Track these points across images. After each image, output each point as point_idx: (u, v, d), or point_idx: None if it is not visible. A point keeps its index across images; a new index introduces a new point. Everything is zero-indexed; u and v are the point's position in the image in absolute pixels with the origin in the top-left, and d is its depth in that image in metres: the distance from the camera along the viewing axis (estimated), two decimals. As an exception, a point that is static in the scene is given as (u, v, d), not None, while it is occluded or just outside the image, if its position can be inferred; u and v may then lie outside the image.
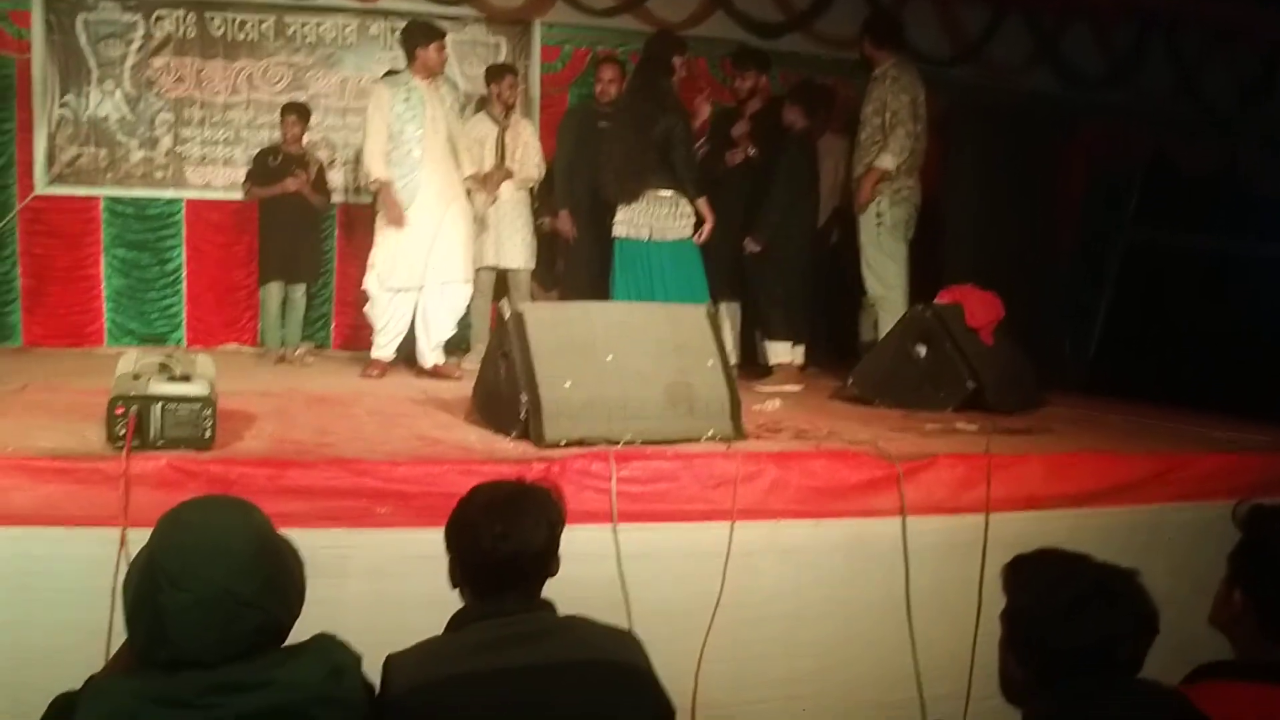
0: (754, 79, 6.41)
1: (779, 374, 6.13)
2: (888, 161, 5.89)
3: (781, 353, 6.23)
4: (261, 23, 7.18)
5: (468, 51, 7.40)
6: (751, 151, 6.21)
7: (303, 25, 7.24)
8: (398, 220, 5.69)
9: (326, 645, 2.04)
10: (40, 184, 6.95)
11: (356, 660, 2.05)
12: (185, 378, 3.40)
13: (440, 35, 5.84)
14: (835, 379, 6.00)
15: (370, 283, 5.90)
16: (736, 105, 6.50)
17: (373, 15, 7.31)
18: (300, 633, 2.00)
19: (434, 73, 5.82)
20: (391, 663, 2.16)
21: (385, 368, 5.96)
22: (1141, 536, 3.98)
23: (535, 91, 7.47)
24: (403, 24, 6.35)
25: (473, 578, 2.26)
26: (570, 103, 7.46)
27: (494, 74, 6.68)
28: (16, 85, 6.87)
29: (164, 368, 3.44)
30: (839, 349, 6.95)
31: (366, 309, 6.01)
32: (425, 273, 5.79)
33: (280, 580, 1.94)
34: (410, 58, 5.79)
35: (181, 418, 3.31)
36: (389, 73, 6.44)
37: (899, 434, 4.38)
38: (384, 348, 5.97)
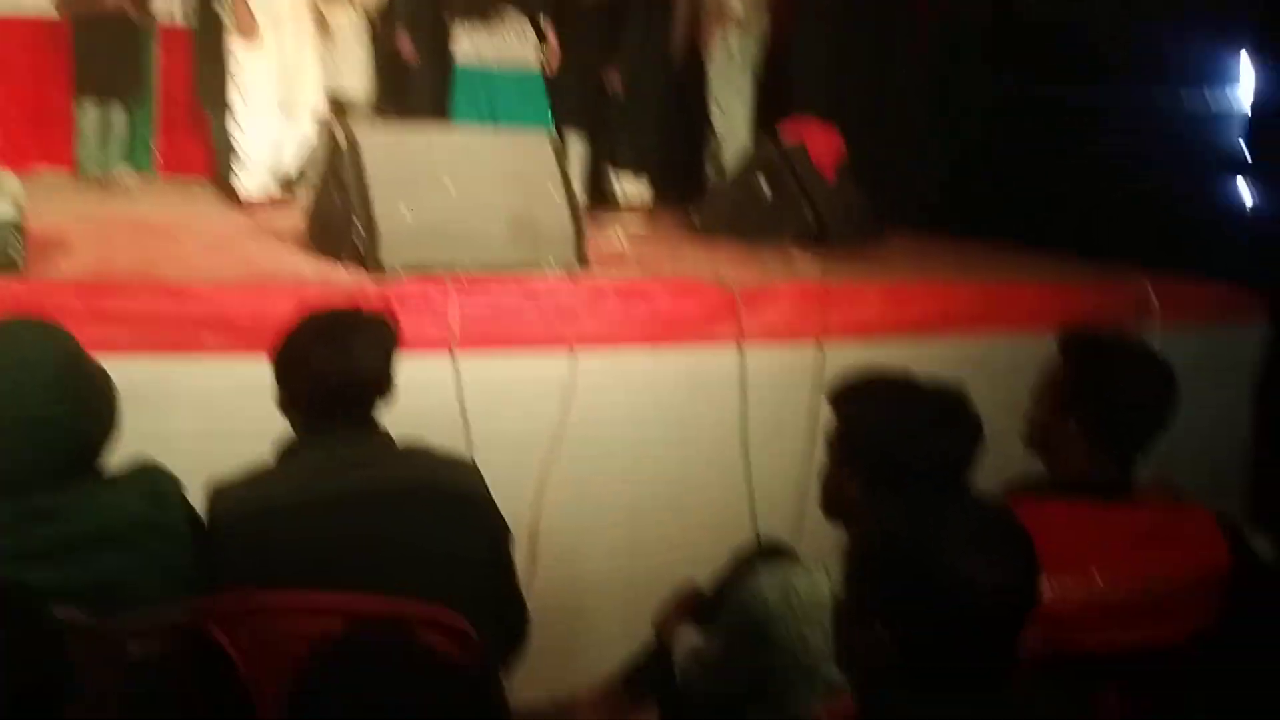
0: None
1: (627, 209, 6.09)
2: None
3: (629, 184, 6.17)
4: None
5: None
6: None
7: None
8: (249, 30, 5.34)
9: (148, 472, 1.98)
10: None
11: (179, 486, 1.99)
12: (-13, 197, 3.16)
13: None
14: (684, 215, 5.99)
15: (230, 95, 5.55)
16: None
17: None
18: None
19: None
20: (217, 491, 2.10)
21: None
22: (970, 368, 4.12)
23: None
24: None
25: (303, 405, 2.20)
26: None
27: None
28: None
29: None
30: (690, 185, 6.92)
31: (229, 128, 5.65)
32: (278, 94, 5.49)
33: (90, 401, 1.86)
34: None
35: (-15, 240, 3.09)
36: None
37: (739, 266, 4.41)
38: (254, 179, 5.63)
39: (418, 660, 1.29)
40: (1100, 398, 2.19)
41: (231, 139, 5.67)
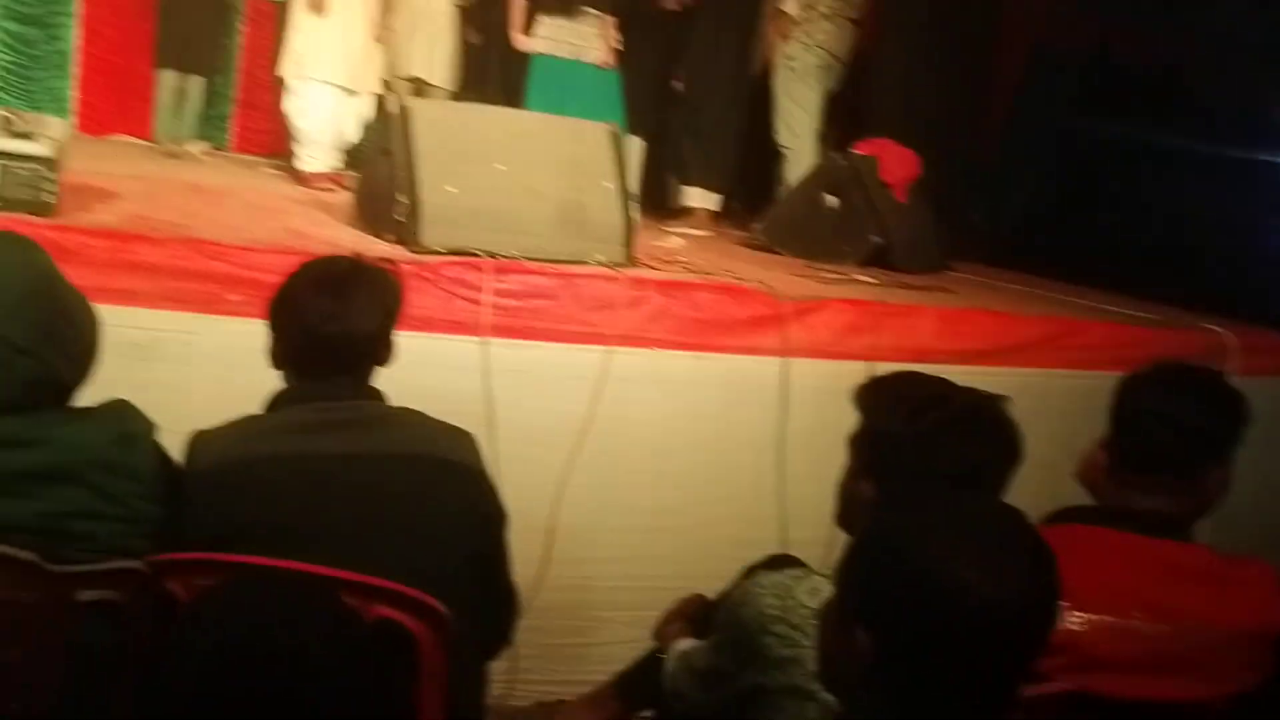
0: None
1: (689, 218, 5.96)
2: (789, 5, 5.66)
3: (695, 197, 6.05)
4: None
5: None
6: None
7: None
8: (319, 4, 5.32)
9: (120, 411, 1.87)
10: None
11: (151, 429, 1.88)
12: (27, 135, 3.12)
13: None
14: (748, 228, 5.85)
15: (287, 70, 5.52)
16: None
17: None
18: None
19: None
20: (198, 438, 2.00)
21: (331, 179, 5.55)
22: (1027, 400, 3.91)
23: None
24: None
25: (295, 358, 2.09)
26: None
27: None
28: None
29: (5, 122, 3.15)
30: (759, 198, 6.78)
31: (285, 105, 5.64)
32: (342, 69, 5.47)
33: (59, 329, 1.76)
34: None
35: (20, 177, 3.04)
36: None
37: (795, 278, 4.26)
38: (316, 158, 5.59)
39: (315, 618, 1.15)
40: (1125, 418, 2.02)
41: (288, 113, 5.64)
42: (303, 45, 5.46)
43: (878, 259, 4.95)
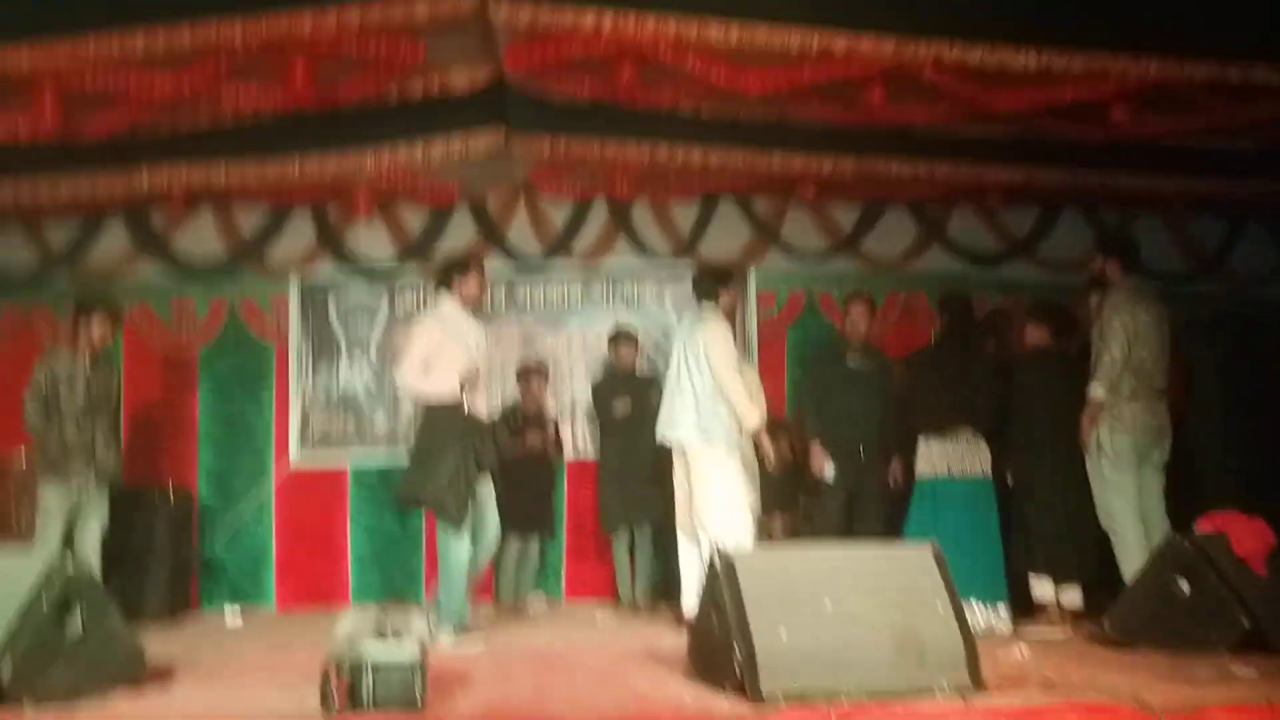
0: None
1: (1042, 616, 5.69)
2: (1096, 390, 5.55)
3: (1046, 591, 5.79)
4: (494, 289, 7.60)
5: (687, 302, 7.58)
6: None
7: (531, 290, 7.63)
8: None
9: None
10: (295, 456, 7.42)
11: None
12: (397, 636, 3.40)
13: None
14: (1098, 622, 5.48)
15: (729, 530, 5.51)
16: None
17: (597, 277, 7.64)
18: None
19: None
20: None
21: None
22: None
23: (753, 336, 7.54)
24: (624, 284, 7.27)
25: None
26: (787, 345, 7.55)
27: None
28: (275, 365, 7.48)
29: (376, 630, 3.46)
30: (1108, 588, 6.38)
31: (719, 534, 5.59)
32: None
33: None
34: (713, 297, 5.89)
35: (392, 682, 3.31)
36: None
37: (1163, 682, 3.91)
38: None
39: None
40: None
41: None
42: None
43: (1250, 643, 4.50)
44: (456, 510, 5.25)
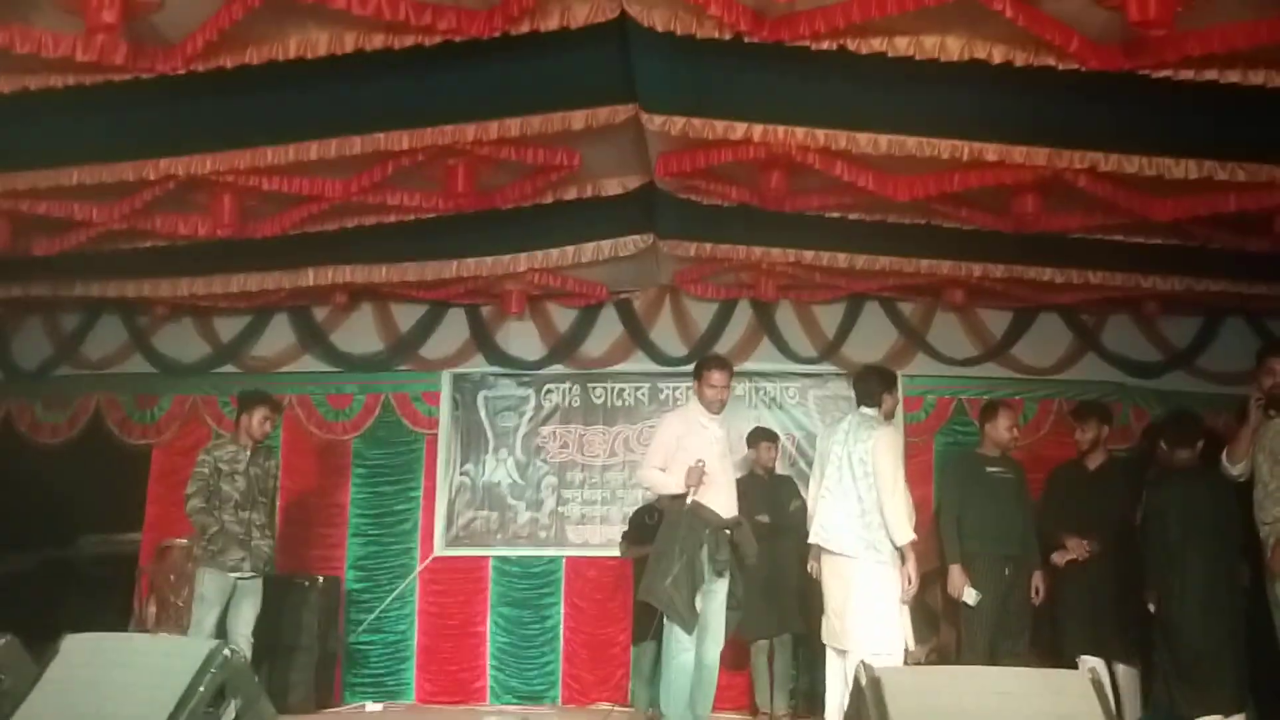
0: (1095, 431, 6.11)
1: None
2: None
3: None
4: (638, 389, 7.67)
5: (829, 405, 7.51)
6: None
7: (674, 389, 7.64)
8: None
9: None
10: (439, 546, 7.54)
11: None
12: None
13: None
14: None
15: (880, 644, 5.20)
16: (1079, 458, 6.21)
17: (739, 377, 7.61)
18: None
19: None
20: None
21: None
22: None
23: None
24: (766, 384, 7.24)
25: None
26: (935, 451, 7.39)
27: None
28: (425, 457, 7.66)
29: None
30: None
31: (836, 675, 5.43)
32: None
33: None
34: (876, 402, 5.61)
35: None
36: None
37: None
38: None
39: None
40: None
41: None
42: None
43: None
44: (684, 610, 5.14)
